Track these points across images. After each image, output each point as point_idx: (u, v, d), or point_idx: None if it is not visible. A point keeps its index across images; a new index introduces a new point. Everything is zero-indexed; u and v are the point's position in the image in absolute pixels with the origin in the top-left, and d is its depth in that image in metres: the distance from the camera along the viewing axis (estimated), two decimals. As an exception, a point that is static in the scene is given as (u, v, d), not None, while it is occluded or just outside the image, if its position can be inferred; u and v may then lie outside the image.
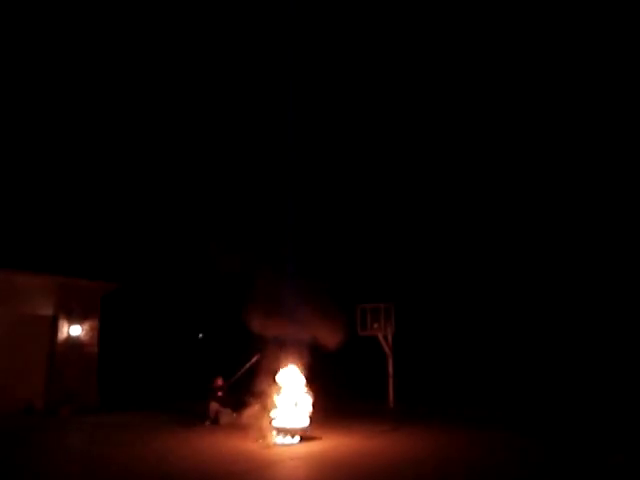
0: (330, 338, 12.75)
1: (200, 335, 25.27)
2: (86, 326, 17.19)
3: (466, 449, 10.20)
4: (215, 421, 13.42)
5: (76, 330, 16.91)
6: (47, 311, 16.54)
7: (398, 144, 26.58)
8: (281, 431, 11.16)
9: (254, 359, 13.51)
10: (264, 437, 11.10)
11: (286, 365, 12.23)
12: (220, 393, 13.85)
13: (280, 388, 11.95)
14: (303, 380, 12.15)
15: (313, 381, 12.44)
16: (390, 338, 18.03)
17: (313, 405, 11.96)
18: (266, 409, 11.81)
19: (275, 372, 12.13)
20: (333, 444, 10.71)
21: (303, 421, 11.49)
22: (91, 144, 22.72)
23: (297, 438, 10.99)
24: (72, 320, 16.87)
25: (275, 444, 10.74)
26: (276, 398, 11.83)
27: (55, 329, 16.57)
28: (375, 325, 18.01)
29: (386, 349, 18.03)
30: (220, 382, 14.02)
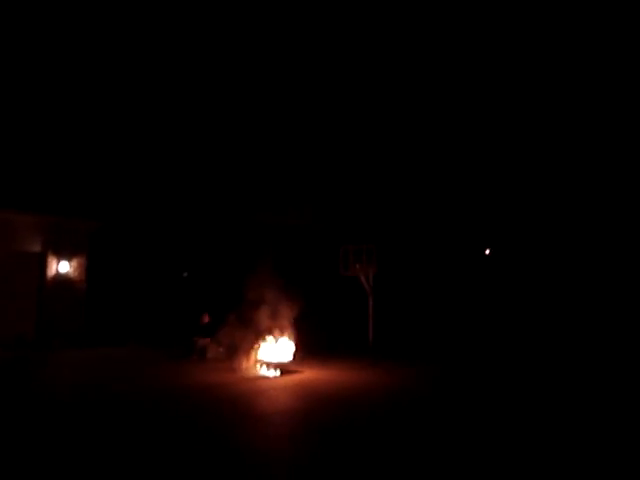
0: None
1: (185, 274, 25.70)
2: (74, 263, 17.54)
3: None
4: (202, 355, 13.99)
5: (64, 267, 17.26)
6: (36, 248, 16.82)
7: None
8: (264, 364, 11.77)
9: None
10: (248, 369, 11.73)
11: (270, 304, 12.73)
12: (206, 328, 14.38)
13: (264, 324, 12.50)
14: (286, 317, 12.69)
15: (296, 319, 13.00)
16: (371, 278, 18.58)
17: (295, 342, 12.57)
18: (251, 343, 12.41)
19: (260, 310, 12.63)
20: (311, 377, 11.35)
21: (285, 356, 12.10)
22: (81, 86, 22.41)
23: (279, 371, 11.62)
24: (60, 257, 17.19)
25: (258, 376, 11.36)
26: (259, 333, 12.40)
27: (44, 266, 16.91)
28: (357, 266, 18.51)
29: (367, 289, 18.61)
30: (206, 318, 14.53)
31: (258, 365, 11.82)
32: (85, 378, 11.00)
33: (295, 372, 11.74)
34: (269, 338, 12.35)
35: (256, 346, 12.29)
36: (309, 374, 11.64)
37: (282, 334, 12.44)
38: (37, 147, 19.53)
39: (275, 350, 12.13)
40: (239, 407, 8.44)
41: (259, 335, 12.45)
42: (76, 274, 17.62)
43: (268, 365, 11.74)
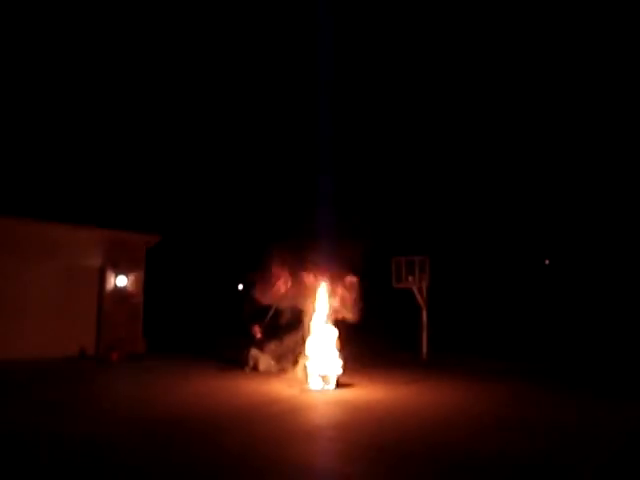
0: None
1: (240, 286, 26.02)
2: (132, 277, 18.03)
3: (475, 400, 10.58)
4: (254, 367, 14.09)
5: (122, 281, 17.76)
6: (95, 263, 17.38)
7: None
8: (316, 377, 11.72)
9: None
10: (300, 383, 11.72)
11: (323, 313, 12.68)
12: (259, 340, 14.48)
13: (315, 336, 12.46)
14: (336, 330, 12.62)
15: (348, 332, 12.93)
16: (424, 290, 18.34)
17: (347, 354, 12.48)
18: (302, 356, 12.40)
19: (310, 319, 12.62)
20: (364, 391, 11.25)
21: (337, 369, 12.02)
22: (132, 99, 23.18)
23: (332, 385, 11.55)
24: (119, 271, 17.70)
25: (310, 390, 11.33)
26: (311, 345, 12.36)
27: (103, 280, 17.44)
28: (410, 278, 18.32)
29: (420, 301, 18.37)
30: (258, 330, 14.63)
31: (310, 378, 11.79)
32: (136, 390, 11.22)
33: (347, 386, 11.65)
34: (321, 351, 12.29)
35: (308, 359, 12.26)
36: (361, 388, 11.54)
37: (334, 347, 12.35)
38: (93, 164, 20.26)
39: (327, 363, 12.05)
40: (290, 421, 8.43)
41: (311, 348, 12.42)
42: (134, 288, 18.09)
43: (320, 378, 11.68)
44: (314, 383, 11.63)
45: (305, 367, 12.14)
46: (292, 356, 12.89)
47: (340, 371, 11.99)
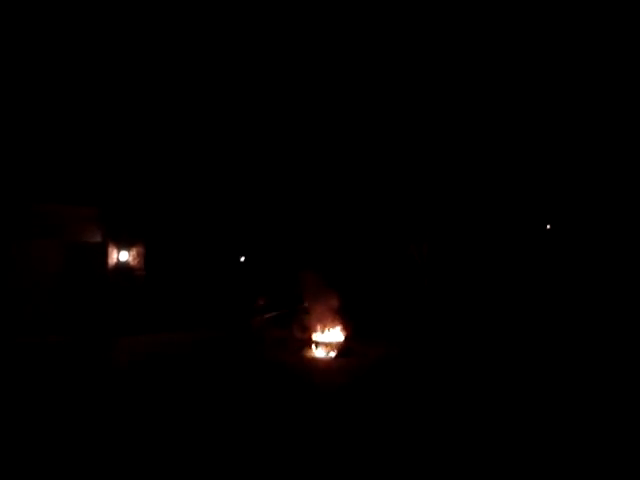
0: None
1: (242, 258, 26.08)
2: (133, 252, 18.08)
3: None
4: (260, 335, 14.21)
5: (124, 256, 17.82)
6: (97, 238, 17.42)
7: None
8: (319, 345, 11.85)
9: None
10: (304, 350, 11.88)
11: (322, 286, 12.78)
12: (263, 309, 14.62)
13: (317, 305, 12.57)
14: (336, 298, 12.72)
15: (349, 299, 13.04)
16: (425, 256, 18.47)
17: (348, 323, 12.61)
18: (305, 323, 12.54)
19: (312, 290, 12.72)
20: (366, 357, 11.41)
21: (338, 336, 12.15)
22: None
23: (333, 352, 11.68)
24: (120, 246, 17.76)
25: (314, 357, 11.48)
26: (314, 313, 12.49)
27: (105, 255, 17.50)
28: (410, 245, 18.43)
29: (421, 267, 18.50)
30: (262, 302, 14.75)
31: (314, 346, 11.92)
32: (153, 360, 11.35)
33: (351, 350, 11.79)
34: (323, 320, 12.41)
35: (311, 328, 12.39)
36: (365, 352, 11.70)
37: (336, 316, 12.47)
38: (90, 140, 20.10)
39: (329, 331, 12.18)
40: (297, 387, 8.57)
41: (314, 317, 12.54)
42: (135, 262, 18.17)
43: (323, 346, 11.82)
44: (318, 351, 11.77)
45: (310, 335, 12.29)
46: (295, 324, 13.03)
47: (342, 338, 12.14)
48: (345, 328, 12.38)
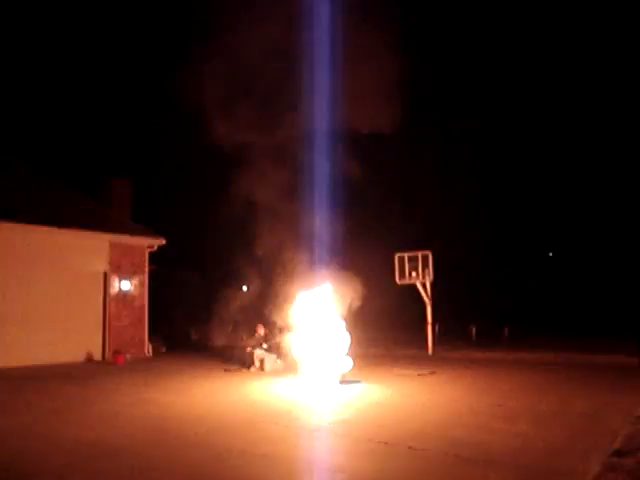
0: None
1: (244, 287, 26.03)
2: (135, 281, 18.07)
3: (481, 393, 10.64)
4: (260, 367, 14.10)
5: (126, 285, 17.81)
6: (100, 268, 17.41)
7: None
8: (323, 375, 11.74)
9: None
10: (306, 381, 11.75)
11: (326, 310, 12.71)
12: (263, 340, 14.50)
13: (321, 334, 12.48)
14: (342, 325, 12.64)
15: (354, 329, 12.97)
16: (429, 286, 18.35)
17: (353, 352, 12.52)
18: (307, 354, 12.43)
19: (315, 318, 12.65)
20: (371, 388, 11.25)
21: (344, 366, 12.03)
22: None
23: (338, 382, 11.55)
24: (122, 275, 17.75)
25: (317, 387, 11.34)
26: (316, 343, 12.38)
27: (107, 285, 17.48)
28: (413, 274, 18.33)
29: (425, 297, 18.38)
30: (262, 330, 14.66)
31: (317, 376, 11.81)
32: (140, 392, 11.23)
33: (354, 382, 11.66)
34: (326, 349, 12.31)
35: (314, 357, 12.28)
36: (367, 385, 11.55)
37: (339, 345, 12.38)
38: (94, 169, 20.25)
39: (333, 361, 12.07)
40: (296, 419, 8.43)
41: (316, 347, 12.44)
42: (137, 291, 18.15)
43: (327, 376, 11.70)
44: (321, 381, 11.65)
45: (311, 365, 12.17)
46: (298, 355, 12.92)
47: (347, 368, 12.02)
48: None
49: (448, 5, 26.75)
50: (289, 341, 13.14)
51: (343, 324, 12.63)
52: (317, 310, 12.64)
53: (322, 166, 14.43)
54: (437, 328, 19.49)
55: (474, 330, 22.44)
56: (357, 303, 12.82)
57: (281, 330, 13.68)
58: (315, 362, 12.15)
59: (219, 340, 18.86)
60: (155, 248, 18.81)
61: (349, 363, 12.14)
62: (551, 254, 33.49)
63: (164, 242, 18.76)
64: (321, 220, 13.59)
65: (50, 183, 18.54)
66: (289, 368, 13.30)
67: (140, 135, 26.94)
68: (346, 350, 12.36)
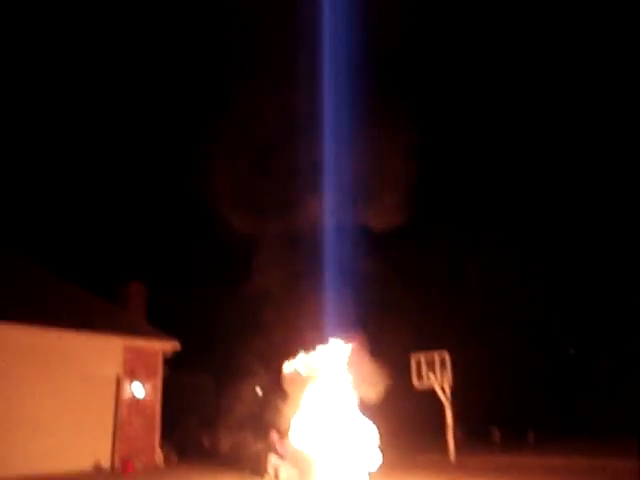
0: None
1: (258, 389, 25.53)
2: (149, 386, 17.78)
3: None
4: (275, 476, 13.54)
5: (139, 390, 17.51)
6: (111, 372, 17.21)
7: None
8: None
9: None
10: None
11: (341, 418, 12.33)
12: (277, 447, 14.01)
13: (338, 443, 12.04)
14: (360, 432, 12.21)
15: (371, 434, 12.51)
16: (447, 389, 17.79)
17: (371, 458, 12.01)
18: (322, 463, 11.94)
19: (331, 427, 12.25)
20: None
21: (362, 475, 11.53)
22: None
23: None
24: (135, 380, 17.49)
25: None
26: (332, 452, 11.92)
27: (119, 389, 17.19)
28: (431, 376, 17.83)
29: (444, 400, 17.80)
30: (276, 436, 14.19)
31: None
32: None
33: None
34: (344, 458, 11.84)
35: (334, 458, 11.79)
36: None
37: (357, 453, 11.91)
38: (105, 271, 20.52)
39: (357, 458, 11.57)
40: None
41: (333, 455, 11.97)
42: (150, 397, 17.81)
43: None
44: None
45: (327, 475, 11.67)
46: (313, 463, 12.41)
47: (365, 478, 11.51)
48: None
49: (466, 115, 27.77)
50: (303, 445, 12.66)
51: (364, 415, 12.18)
52: (333, 404, 12.26)
53: (335, 261, 14.56)
54: (459, 432, 18.73)
55: (497, 433, 21.56)
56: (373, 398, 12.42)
57: (292, 434, 13.25)
58: (336, 463, 11.61)
59: (231, 447, 18.23)
60: (169, 353, 18.66)
61: (377, 459, 11.57)
62: (572, 350, 32.74)
63: (179, 347, 18.62)
64: (335, 315, 13.55)
65: (65, 285, 18.74)
66: (305, 475, 12.72)
67: (155, 237, 27.56)
68: (373, 442, 11.81)
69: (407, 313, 23.78)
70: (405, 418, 20.60)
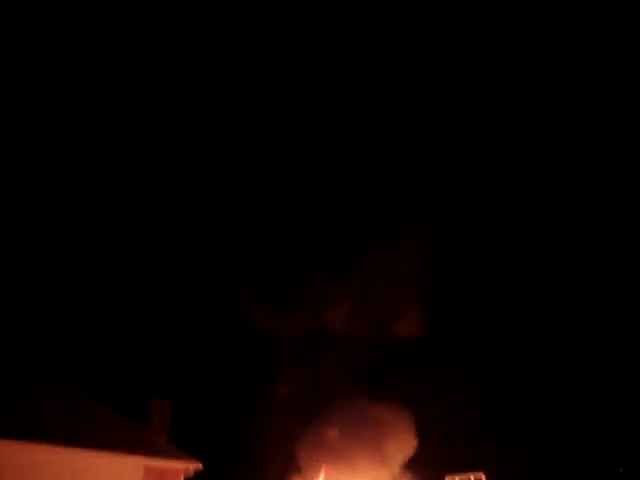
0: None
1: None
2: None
3: None
4: None
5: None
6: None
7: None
8: None
9: None
10: None
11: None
12: None
13: None
14: None
15: None
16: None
17: None
18: None
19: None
20: None
21: None
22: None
23: None
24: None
25: None
26: None
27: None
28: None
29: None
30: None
31: None
32: None
33: None
34: None
35: None
36: None
37: None
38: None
39: None
40: None
41: None
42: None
43: None
44: None
45: None
46: None
47: None
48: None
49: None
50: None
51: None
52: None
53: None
54: None
55: None
56: None
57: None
58: None
59: None
60: (192, 474, 17.94)
61: None
62: (622, 470, 30.61)
63: (201, 467, 17.92)
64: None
65: (88, 402, 18.44)
66: None
67: (181, 350, 27.51)
68: None
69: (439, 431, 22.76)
70: None
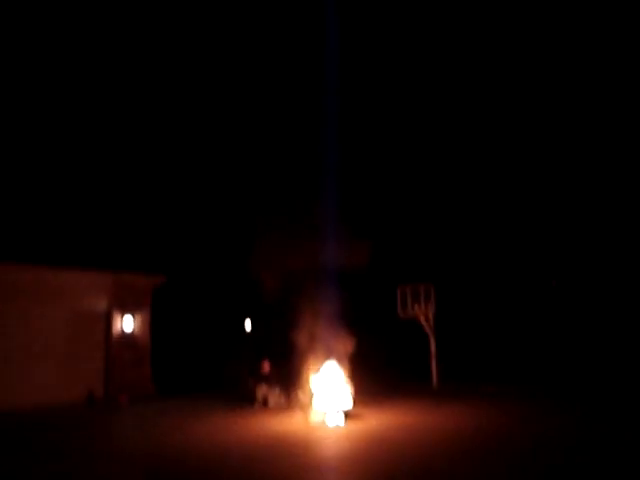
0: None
1: (247, 325, 26.01)
2: (138, 319, 18.07)
3: (484, 426, 10.60)
4: (264, 403, 14.00)
5: (129, 324, 17.80)
6: (101, 306, 17.44)
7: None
8: (326, 411, 11.64)
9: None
10: (310, 418, 11.65)
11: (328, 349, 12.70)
12: (268, 376, 14.43)
13: (321, 370, 12.44)
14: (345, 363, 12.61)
15: (355, 363, 12.91)
16: (431, 319, 18.29)
17: (355, 387, 12.44)
18: (310, 391, 12.36)
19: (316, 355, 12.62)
20: (375, 423, 11.15)
21: (346, 401, 11.94)
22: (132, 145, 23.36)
23: (342, 418, 11.44)
24: (125, 314, 17.76)
25: (320, 424, 11.24)
26: (318, 380, 12.33)
27: (109, 323, 17.48)
28: (416, 306, 18.27)
29: (427, 330, 18.30)
30: (267, 366, 14.59)
31: (320, 413, 11.71)
32: (145, 432, 11.14)
33: (357, 418, 11.55)
34: (329, 385, 12.24)
35: (317, 393, 12.21)
36: (371, 420, 11.44)
37: (342, 381, 12.31)
38: (96, 205, 20.32)
39: (336, 396, 11.98)
40: (300, 456, 8.36)
41: (320, 382, 12.38)
42: (140, 330, 18.13)
43: (330, 412, 11.60)
44: (323, 418, 11.55)
45: (314, 402, 12.09)
46: (301, 391, 12.86)
47: (350, 405, 11.93)
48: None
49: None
50: (294, 377, 13.11)
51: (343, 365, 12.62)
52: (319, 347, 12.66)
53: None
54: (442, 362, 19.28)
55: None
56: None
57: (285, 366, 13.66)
58: (320, 398, 12.06)
59: (226, 378, 18.71)
60: (158, 285, 18.87)
61: (351, 400, 12.08)
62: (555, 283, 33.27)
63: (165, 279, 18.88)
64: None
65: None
66: (293, 404, 13.20)
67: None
68: (348, 387, 12.31)
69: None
70: (393, 348, 21.12)
